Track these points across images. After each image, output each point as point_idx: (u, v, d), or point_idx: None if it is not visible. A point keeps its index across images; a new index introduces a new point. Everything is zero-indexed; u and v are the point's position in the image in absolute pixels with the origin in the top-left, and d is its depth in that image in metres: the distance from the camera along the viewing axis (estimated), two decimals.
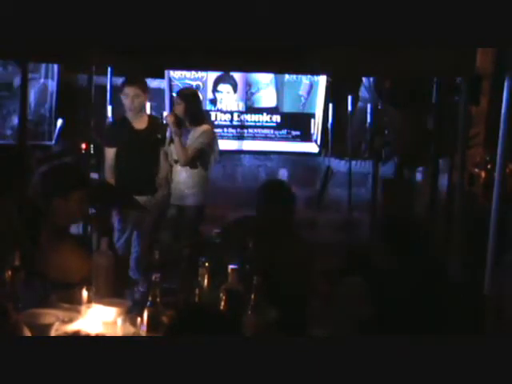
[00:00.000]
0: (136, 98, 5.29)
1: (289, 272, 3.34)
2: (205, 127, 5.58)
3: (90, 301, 2.89)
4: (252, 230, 3.52)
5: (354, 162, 6.63)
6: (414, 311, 2.91)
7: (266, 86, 6.87)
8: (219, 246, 3.30)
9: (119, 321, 2.72)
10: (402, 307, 2.93)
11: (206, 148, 5.57)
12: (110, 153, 5.29)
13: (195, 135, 5.50)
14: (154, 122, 5.56)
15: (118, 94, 5.57)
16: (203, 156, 5.59)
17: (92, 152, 5.26)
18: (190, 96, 5.62)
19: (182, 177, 5.57)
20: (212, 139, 5.66)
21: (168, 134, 5.50)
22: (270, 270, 3.16)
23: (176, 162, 5.56)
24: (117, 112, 5.86)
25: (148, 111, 6.24)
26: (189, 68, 5.91)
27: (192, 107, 5.54)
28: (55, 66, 6.34)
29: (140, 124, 5.41)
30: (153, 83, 6.78)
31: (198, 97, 5.79)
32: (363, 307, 2.96)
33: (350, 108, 6.43)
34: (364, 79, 6.69)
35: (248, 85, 6.87)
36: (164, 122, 5.57)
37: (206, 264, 3.20)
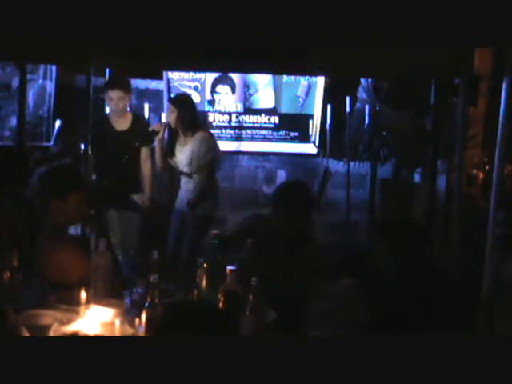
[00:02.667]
0: (120, 101, 5.38)
1: (296, 273, 3.35)
2: (202, 134, 5.55)
3: (88, 302, 2.89)
4: (258, 229, 3.53)
5: (352, 163, 6.63)
6: (412, 312, 2.91)
7: (264, 87, 6.86)
8: (219, 248, 3.30)
9: (117, 322, 2.72)
10: (401, 308, 2.93)
11: (212, 158, 5.57)
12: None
13: (194, 143, 5.48)
14: (138, 122, 5.59)
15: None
16: (211, 166, 5.59)
17: (90, 153, 5.25)
18: (184, 103, 5.58)
19: (190, 187, 5.55)
20: (214, 144, 5.66)
21: (164, 141, 5.50)
22: (279, 271, 3.17)
23: (183, 173, 5.55)
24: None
25: (146, 113, 6.26)
26: (187, 69, 5.90)
27: (187, 115, 5.50)
28: (53, 67, 6.32)
29: (122, 125, 5.45)
30: (151, 84, 6.78)
31: (193, 103, 5.76)
32: (359, 309, 2.96)
33: (348, 109, 6.42)
34: (362, 80, 6.69)
35: (246, 86, 6.86)
36: (158, 128, 5.55)
37: (205, 265, 3.21)
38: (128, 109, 5.66)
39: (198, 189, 5.51)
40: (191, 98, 5.85)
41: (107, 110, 5.76)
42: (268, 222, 3.62)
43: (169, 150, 5.52)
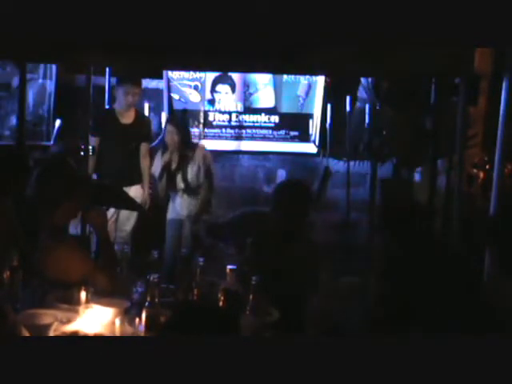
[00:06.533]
0: (135, 96, 5.53)
1: (296, 271, 3.34)
2: (202, 148, 5.71)
3: (88, 301, 2.89)
4: (250, 225, 3.52)
5: (352, 163, 6.62)
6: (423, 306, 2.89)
7: (264, 87, 6.86)
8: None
9: (117, 321, 2.72)
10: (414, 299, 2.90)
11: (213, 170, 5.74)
12: (93, 142, 5.36)
13: (198, 158, 5.59)
14: (141, 118, 5.72)
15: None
16: (213, 179, 5.72)
17: (91, 153, 5.27)
18: (182, 121, 5.82)
19: (192, 202, 5.60)
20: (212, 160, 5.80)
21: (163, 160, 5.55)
22: (277, 270, 3.17)
23: (185, 190, 5.59)
24: None
25: (146, 111, 6.28)
26: (187, 68, 5.91)
27: (188, 132, 5.71)
28: (53, 66, 6.32)
29: (127, 119, 5.58)
30: (151, 84, 6.78)
31: (188, 118, 6.00)
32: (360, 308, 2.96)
33: (348, 108, 6.42)
34: (362, 79, 6.69)
35: (246, 85, 6.86)
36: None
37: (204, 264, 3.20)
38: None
39: (205, 201, 5.65)
40: (185, 113, 6.03)
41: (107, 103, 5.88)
42: (263, 220, 3.61)
43: (171, 171, 5.59)
